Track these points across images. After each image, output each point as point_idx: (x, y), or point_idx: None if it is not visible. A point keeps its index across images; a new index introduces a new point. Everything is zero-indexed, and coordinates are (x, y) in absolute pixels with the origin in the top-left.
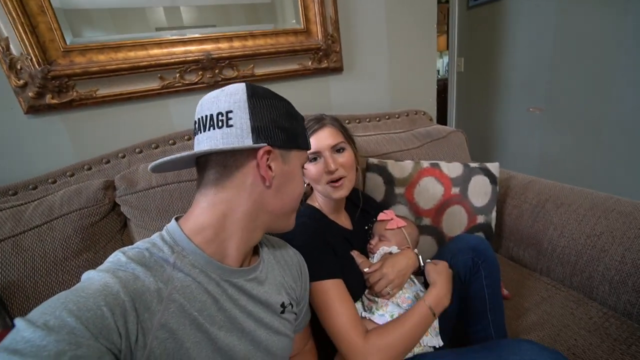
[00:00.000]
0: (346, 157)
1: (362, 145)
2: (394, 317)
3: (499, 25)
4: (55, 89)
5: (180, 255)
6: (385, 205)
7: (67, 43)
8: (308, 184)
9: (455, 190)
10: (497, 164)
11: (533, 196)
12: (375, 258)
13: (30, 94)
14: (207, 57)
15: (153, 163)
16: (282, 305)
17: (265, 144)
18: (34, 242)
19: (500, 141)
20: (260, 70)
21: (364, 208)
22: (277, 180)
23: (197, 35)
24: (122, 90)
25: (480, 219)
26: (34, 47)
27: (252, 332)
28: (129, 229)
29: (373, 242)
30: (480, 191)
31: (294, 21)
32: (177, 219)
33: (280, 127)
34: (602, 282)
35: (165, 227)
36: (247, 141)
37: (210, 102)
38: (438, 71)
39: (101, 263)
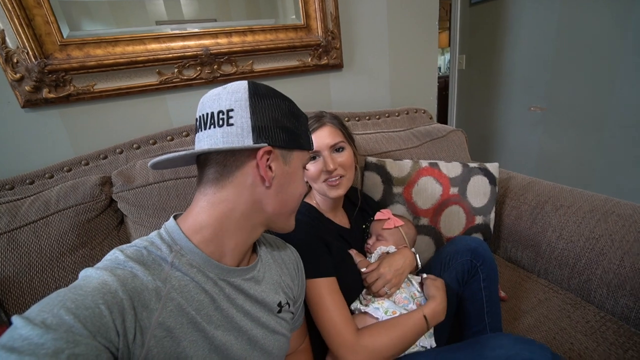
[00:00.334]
0: (345, 156)
1: (361, 144)
2: (388, 313)
3: (501, 22)
4: (52, 83)
5: (178, 254)
6: (383, 204)
7: (64, 36)
8: (306, 182)
9: (453, 190)
10: (496, 164)
11: (532, 197)
12: (373, 258)
13: (27, 88)
14: (206, 52)
15: (153, 160)
16: (279, 304)
17: (266, 144)
18: (30, 238)
19: (500, 140)
20: (259, 67)
21: (361, 207)
22: (278, 180)
23: (195, 30)
24: (120, 85)
25: (479, 219)
26: (30, 40)
27: (249, 331)
28: (126, 225)
29: (370, 241)
30: (479, 191)
31: (294, 17)
32: (175, 217)
33: (282, 127)
34: (600, 286)
35: (163, 225)
36: (247, 141)
37: (212, 100)
38: (439, 68)
39: (98, 260)
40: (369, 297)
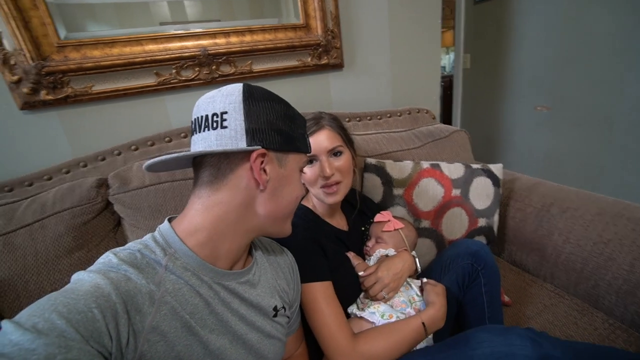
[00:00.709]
0: (343, 160)
1: (361, 144)
2: (384, 317)
3: (506, 21)
4: (49, 85)
5: (172, 257)
6: (383, 206)
7: (61, 38)
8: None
9: (456, 192)
10: (500, 165)
11: (538, 199)
12: (372, 260)
13: (25, 90)
14: (204, 53)
15: (148, 162)
16: (275, 308)
17: (259, 147)
18: (26, 240)
19: (506, 140)
20: (258, 67)
21: (361, 209)
22: (272, 183)
23: (192, 31)
24: (118, 87)
25: (482, 222)
26: (27, 42)
27: (244, 335)
28: (123, 228)
29: (370, 244)
30: (482, 193)
31: (294, 16)
32: (170, 220)
33: (276, 129)
34: (608, 292)
35: (158, 228)
36: (241, 143)
37: (207, 103)
38: (444, 68)
39: (93, 262)
40: (366, 300)
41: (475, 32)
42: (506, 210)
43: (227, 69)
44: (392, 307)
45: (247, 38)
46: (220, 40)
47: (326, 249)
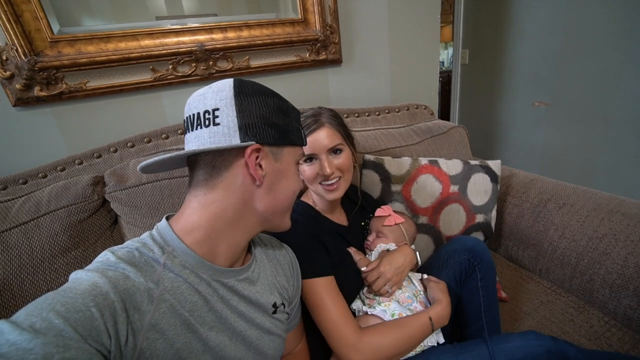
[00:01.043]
0: (343, 158)
1: (359, 141)
2: (394, 316)
3: (505, 16)
4: (43, 81)
5: (170, 255)
6: (382, 202)
7: (54, 33)
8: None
9: (453, 188)
10: (498, 161)
11: (534, 195)
12: (373, 255)
13: (18, 86)
14: (200, 48)
15: (141, 163)
16: (274, 305)
17: (254, 142)
18: (21, 239)
19: (504, 136)
20: (256, 62)
21: (361, 204)
22: (269, 178)
23: (189, 26)
24: (114, 83)
25: (480, 217)
26: (19, 37)
27: (243, 332)
28: (120, 226)
29: (370, 238)
30: (480, 189)
31: (292, 10)
32: (167, 218)
33: (270, 123)
34: (602, 286)
35: (155, 226)
36: (235, 140)
37: (197, 100)
38: (443, 63)
39: (90, 261)
40: (371, 296)
41: (473, 28)
42: (503, 206)
43: (224, 65)
44: (400, 303)
45: (245, 33)
46: (217, 36)
47: (327, 245)
